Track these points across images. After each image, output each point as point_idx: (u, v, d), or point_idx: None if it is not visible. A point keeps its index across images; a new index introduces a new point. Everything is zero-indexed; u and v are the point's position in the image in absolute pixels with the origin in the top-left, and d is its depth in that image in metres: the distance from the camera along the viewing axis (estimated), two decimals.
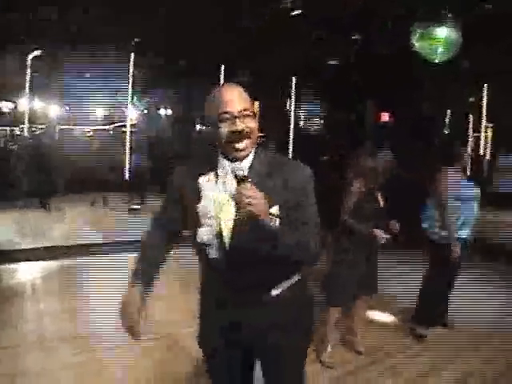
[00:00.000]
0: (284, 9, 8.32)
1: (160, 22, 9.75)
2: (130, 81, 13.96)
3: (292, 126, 15.48)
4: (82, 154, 14.60)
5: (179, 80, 15.47)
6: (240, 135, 1.89)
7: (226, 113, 1.88)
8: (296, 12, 8.35)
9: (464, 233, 4.73)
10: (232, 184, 1.90)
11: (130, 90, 14.20)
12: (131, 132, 14.51)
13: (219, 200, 1.94)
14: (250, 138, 1.94)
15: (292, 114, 15.56)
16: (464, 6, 7.35)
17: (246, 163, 1.96)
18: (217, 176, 1.98)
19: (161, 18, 9.45)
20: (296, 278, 2.15)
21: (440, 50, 6.90)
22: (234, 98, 1.90)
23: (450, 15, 6.88)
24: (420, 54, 7.07)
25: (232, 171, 1.89)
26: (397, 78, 10.21)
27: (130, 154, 13.65)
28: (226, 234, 1.94)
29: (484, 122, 14.69)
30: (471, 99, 14.59)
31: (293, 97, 15.21)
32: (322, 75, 11.50)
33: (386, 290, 4.55)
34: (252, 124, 1.93)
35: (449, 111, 14.87)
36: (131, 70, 13.73)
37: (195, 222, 2.00)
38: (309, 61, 11.34)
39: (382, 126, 11.89)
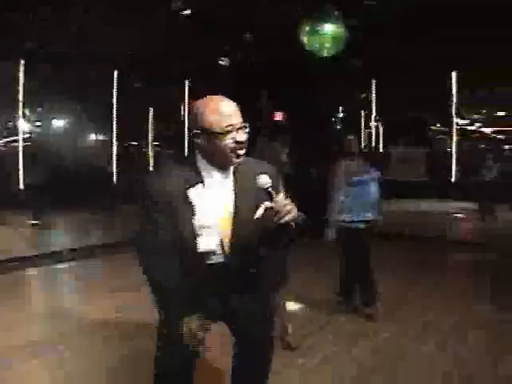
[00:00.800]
0: (174, 10, 8.22)
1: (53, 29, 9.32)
2: (21, 92, 13.27)
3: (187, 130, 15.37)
4: None
5: (72, 90, 14.83)
6: (242, 144, 2.11)
7: (231, 125, 2.06)
8: (186, 12, 8.30)
9: (366, 215, 4.98)
10: (225, 193, 2.17)
11: (21, 102, 13.48)
12: (24, 146, 13.81)
13: (217, 210, 2.13)
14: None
15: (187, 116, 15.43)
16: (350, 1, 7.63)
17: (231, 170, 2.19)
18: (204, 186, 2.13)
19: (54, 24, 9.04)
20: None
21: (327, 45, 7.12)
22: (235, 111, 2.11)
23: (336, 11, 7.11)
24: (308, 49, 7.25)
25: (256, 184, 2.06)
26: (290, 78, 10.43)
27: (24, 169, 12.99)
28: (226, 240, 2.17)
29: (374, 117, 15.41)
30: (363, 95, 15.25)
31: (186, 100, 15.22)
32: (214, 76, 11.46)
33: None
34: (246, 134, 2.14)
35: (341, 108, 15.46)
36: (21, 81, 13.06)
37: (186, 233, 2.11)
38: (201, 62, 11.34)
39: (275, 125, 12.12)
